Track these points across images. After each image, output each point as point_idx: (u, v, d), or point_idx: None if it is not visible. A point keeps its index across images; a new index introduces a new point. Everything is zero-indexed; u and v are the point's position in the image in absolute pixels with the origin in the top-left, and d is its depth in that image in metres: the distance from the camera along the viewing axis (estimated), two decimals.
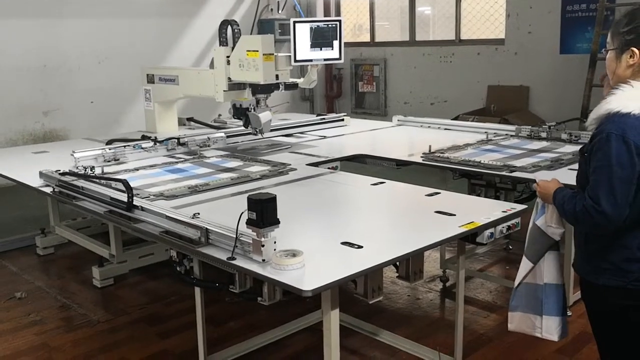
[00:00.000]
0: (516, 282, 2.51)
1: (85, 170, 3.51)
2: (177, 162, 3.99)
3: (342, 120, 5.57)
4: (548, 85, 7.45)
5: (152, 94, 5.16)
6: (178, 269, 2.71)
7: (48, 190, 3.48)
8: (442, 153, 4.02)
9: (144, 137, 4.51)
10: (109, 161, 4.03)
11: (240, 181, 3.44)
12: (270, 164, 3.83)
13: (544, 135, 4.47)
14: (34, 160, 4.34)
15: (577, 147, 4.05)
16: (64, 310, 4.15)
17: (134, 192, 2.90)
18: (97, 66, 7.61)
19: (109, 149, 4.11)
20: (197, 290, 2.92)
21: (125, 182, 2.85)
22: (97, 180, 3.27)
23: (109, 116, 7.58)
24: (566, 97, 7.10)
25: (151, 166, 3.92)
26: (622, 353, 2.27)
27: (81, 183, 3.23)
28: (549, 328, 2.44)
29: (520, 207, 2.82)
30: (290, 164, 3.79)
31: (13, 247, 5.35)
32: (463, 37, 8.38)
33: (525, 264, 2.47)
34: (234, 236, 2.27)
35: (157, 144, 4.31)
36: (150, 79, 5.16)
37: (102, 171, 3.58)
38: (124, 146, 4.21)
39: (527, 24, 7.56)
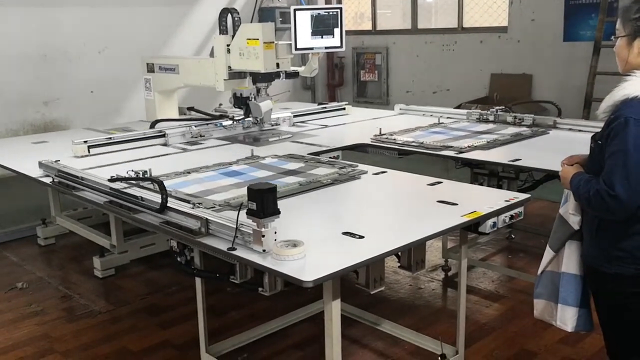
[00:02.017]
0: (539, 270, 2.50)
1: (137, 175, 3.04)
2: (230, 164, 3.53)
3: (344, 109, 5.54)
4: (551, 73, 7.39)
5: (153, 84, 5.12)
6: (179, 259, 2.69)
7: (47, 180, 3.46)
8: (390, 135, 4.16)
9: (222, 116, 4.77)
10: (195, 137, 4.32)
11: (311, 187, 3.04)
12: (336, 165, 3.40)
13: (491, 118, 4.69)
14: (34, 150, 4.31)
15: (520, 129, 4.26)
16: (65, 301, 4.16)
17: (195, 200, 2.73)
18: (97, 56, 7.56)
19: (195, 127, 4.33)
20: (198, 280, 2.91)
21: (160, 183, 2.68)
22: (152, 187, 2.90)
23: (110, 106, 7.54)
24: (570, 85, 7.05)
25: (202, 168, 3.44)
26: (632, 342, 2.26)
27: (133, 191, 2.85)
28: (563, 317, 2.42)
29: (523, 196, 2.79)
30: (358, 166, 3.43)
31: (14, 237, 5.36)
32: (466, 24, 8.30)
33: (547, 252, 2.46)
34: (234, 226, 2.25)
35: (235, 122, 4.57)
36: (151, 68, 5.13)
37: (150, 174, 3.09)
38: (207, 124, 4.49)
39: (531, 11, 7.49)
